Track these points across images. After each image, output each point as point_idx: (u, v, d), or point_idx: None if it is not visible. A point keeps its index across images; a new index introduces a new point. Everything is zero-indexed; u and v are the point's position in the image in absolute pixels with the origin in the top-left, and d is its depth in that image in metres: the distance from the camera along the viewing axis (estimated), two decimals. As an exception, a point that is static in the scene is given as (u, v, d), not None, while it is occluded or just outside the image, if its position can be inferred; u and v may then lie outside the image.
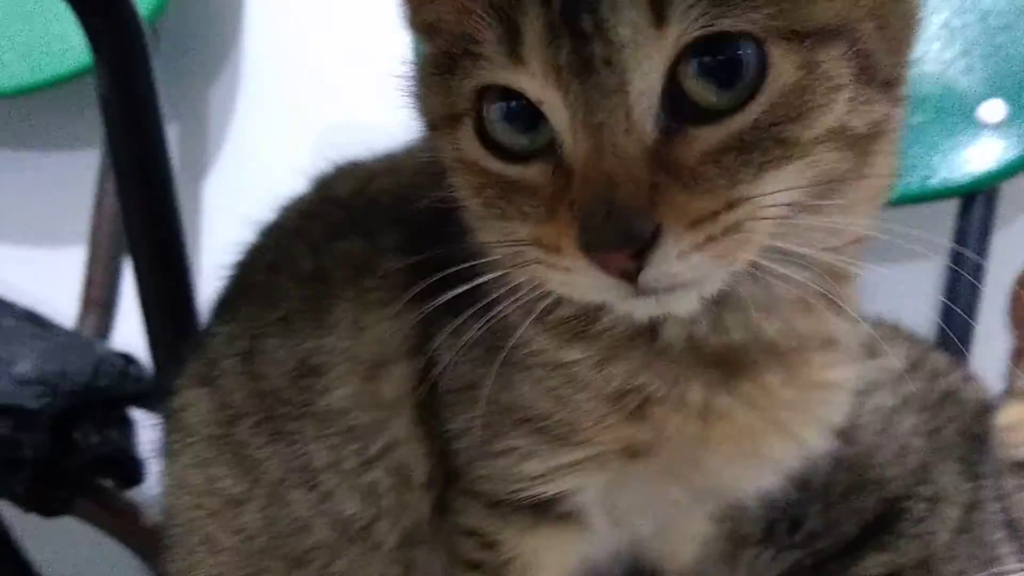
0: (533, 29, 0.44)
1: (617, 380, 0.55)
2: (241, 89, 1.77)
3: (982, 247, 1.28)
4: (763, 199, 0.44)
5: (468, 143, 0.49)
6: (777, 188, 0.45)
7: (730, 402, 0.56)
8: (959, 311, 1.25)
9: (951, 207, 1.31)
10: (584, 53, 0.43)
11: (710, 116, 0.45)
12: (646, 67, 0.44)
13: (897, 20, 0.49)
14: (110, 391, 1.28)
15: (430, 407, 0.60)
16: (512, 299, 0.51)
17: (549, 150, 0.46)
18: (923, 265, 1.42)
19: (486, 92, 0.48)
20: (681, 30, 0.43)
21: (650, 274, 0.43)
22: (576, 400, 0.56)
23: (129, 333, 1.15)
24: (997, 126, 1.26)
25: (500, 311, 0.53)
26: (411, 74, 0.55)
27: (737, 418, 0.56)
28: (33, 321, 1.50)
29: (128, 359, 1.36)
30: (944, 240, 1.33)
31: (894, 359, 0.94)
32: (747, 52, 0.44)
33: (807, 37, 0.45)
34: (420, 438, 0.61)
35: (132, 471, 1.27)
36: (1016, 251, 1.38)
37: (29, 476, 1.19)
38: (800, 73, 0.45)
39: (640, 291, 0.45)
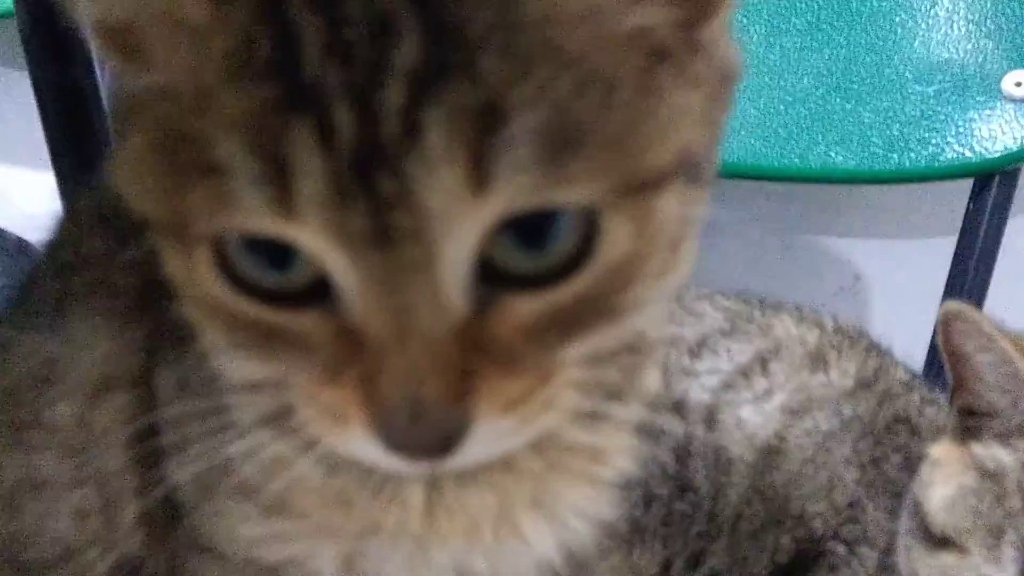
0: (313, 179, 0.34)
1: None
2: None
3: (995, 235, 1.15)
4: (571, 366, 0.39)
5: (207, 278, 0.38)
6: (586, 349, 0.39)
7: (459, 491, 0.47)
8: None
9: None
10: (383, 220, 0.35)
11: (527, 283, 0.37)
12: (459, 239, 0.35)
13: (720, 111, 0.40)
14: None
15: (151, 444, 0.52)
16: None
17: (322, 294, 0.37)
18: (940, 241, 1.29)
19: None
20: (506, 199, 0.35)
21: (455, 462, 0.38)
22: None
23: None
24: (1021, 100, 1.11)
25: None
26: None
27: (471, 506, 0.47)
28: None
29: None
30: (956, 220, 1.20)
31: (840, 375, 0.83)
32: (569, 222, 0.36)
33: (643, 188, 0.37)
34: (133, 473, 0.53)
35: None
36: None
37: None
38: (635, 242, 0.37)
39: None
